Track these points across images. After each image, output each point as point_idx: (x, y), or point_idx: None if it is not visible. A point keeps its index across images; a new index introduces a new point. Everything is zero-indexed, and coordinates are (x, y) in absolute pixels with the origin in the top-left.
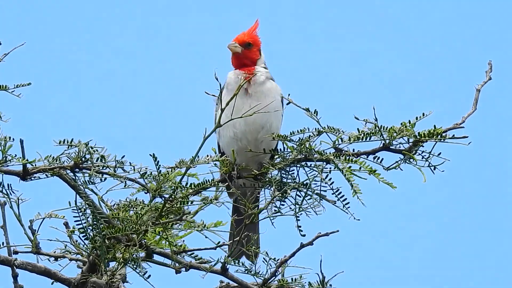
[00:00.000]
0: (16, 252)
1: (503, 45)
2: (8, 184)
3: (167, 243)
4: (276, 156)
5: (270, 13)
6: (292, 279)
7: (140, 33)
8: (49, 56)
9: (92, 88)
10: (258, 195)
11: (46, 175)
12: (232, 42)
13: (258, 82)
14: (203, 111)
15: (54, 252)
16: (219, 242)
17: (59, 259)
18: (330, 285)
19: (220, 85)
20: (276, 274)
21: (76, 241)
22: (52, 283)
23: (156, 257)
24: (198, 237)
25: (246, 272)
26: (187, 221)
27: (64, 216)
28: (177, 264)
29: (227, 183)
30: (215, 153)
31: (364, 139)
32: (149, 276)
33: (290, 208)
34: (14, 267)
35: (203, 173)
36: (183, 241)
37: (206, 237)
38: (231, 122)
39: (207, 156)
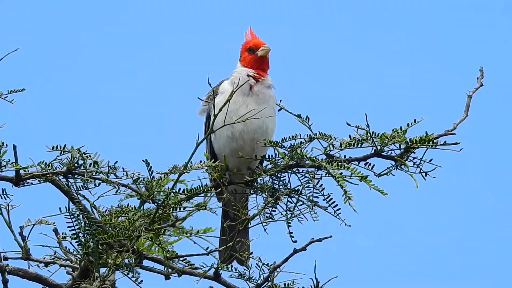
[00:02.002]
0: (6, 258)
1: (495, 51)
2: (2, 189)
3: (158, 248)
4: (267, 162)
5: (261, 15)
6: (285, 284)
7: (133, 37)
8: (42, 62)
9: (85, 94)
10: (246, 202)
11: (39, 180)
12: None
13: (265, 84)
14: (196, 116)
15: (44, 258)
16: (207, 248)
17: (49, 265)
18: None
19: (214, 91)
20: (269, 279)
21: (66, 247)
22: None
23: (147, 263)
24: (187, 243)
25: (239, 277)
26: (176, 227)
27: (54, 223)
28: (169, 270)
29: (219, 189)
30: (208, 159)
31: (355, 146)
32: (141, 281)
33: (282, 214)
34: (6, 273)
35: (192, 180)
36: (172, 247)
37: (194, 242)
38: (229, 122)
39: (201, 161)
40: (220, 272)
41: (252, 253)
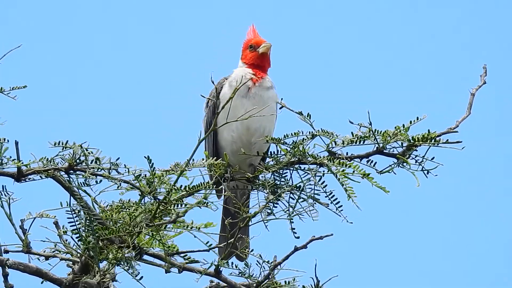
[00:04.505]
0: (6, 251)
1: (498, 49)
2: (2, 186)
3: (159, 243)
4: (269, 159)
5: (263, 10)
6: (285, 282)
7: (137, 34)
8: (45, 58)
9: (87, 91)
10: (248, 198)
11: (40, 176)
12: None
13: (263, 86)
14: (198, 114)
15: (45, 251)
16: (207, 242)
17: (49, 258)
18: None
19: (216, 89)
20: (270, 277)
21: (66, 240)
22: (42, 282)
23: (147, 258)
24: (187, 238)
25: (239, 275)
26: (177, 220)
27: (55, 216)
28: (170, 266)
29: (220, 186)
30: (207, 157)
31: (357, 143)
32: (142, 277)
33: (284, 211)
34: (6, 267)
35: (194, 175)
36: (173, 241)
37: (195, 236)
38: (229, 125)
39: (202, 159)
40: (220, 269)
41: (252, 250)
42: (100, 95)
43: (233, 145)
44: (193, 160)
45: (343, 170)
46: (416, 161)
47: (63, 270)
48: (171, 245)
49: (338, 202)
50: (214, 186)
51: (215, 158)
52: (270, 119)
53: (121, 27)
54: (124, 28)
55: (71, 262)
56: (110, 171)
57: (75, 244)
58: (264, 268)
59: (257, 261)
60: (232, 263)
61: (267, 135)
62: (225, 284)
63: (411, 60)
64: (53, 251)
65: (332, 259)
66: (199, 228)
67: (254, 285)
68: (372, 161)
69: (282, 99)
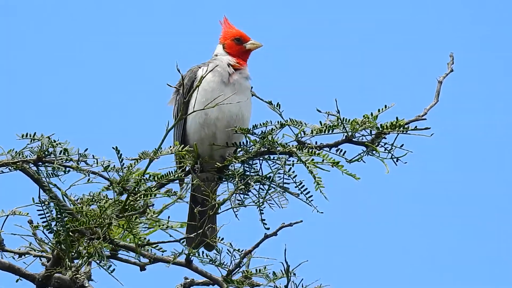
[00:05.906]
0: None
1: (465, 36)
2: None
3: (129, 233)
4: (239, 149)
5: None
6: (256, 270)
7: (103, 23)
8: (11, 49)
9: (55, 81)
10: (216, 187)
11: (9, 169)
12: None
13: (243, 75)
14: (165, 104)
15: (19, 249)
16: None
17: (23, 255)
18: (294, 274)
19: (182, 77)
20: (241, 265)
21: (40, 238)
22: (17, 281)
23: (120, 254)
24: (160, 234)
25: (210, 263)
26: (152, 220)
27: (28, 213)
28: (141, 258)
29: (189, 176)
30: (176, 145)
31: (326, 132)
32: (113, 270)
33: (254, 202)
34: None
35: (164, 167)
36: (148, 240)
37: (170, 235)
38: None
39: (170, 147)
40: (191, 259)
41: (223, 238)
42: (68, 85)
43: (204, 129)
44: (161, 148)
45: (313, 159)
46: (385, 149)
47: (37, 268)
48: (141, 235)
49: (308, 192)
50: (184, 176)
51: (183, 146)
52: (247, 108)
53: (88, 15)
54: (90, 17)
55: (45, 260)
56: (79, 162)
57: (47, 239)
58: (235, 257)
59: (228, 249)
60: (203, 252)
61: (245, 123)
62: (200, 281)
63: (379, 48)
64: (27, 249)
65: (302, 246)
66: (173, 227)
67: (225, 273)
68: (341, 150)
69: (252, 87)
